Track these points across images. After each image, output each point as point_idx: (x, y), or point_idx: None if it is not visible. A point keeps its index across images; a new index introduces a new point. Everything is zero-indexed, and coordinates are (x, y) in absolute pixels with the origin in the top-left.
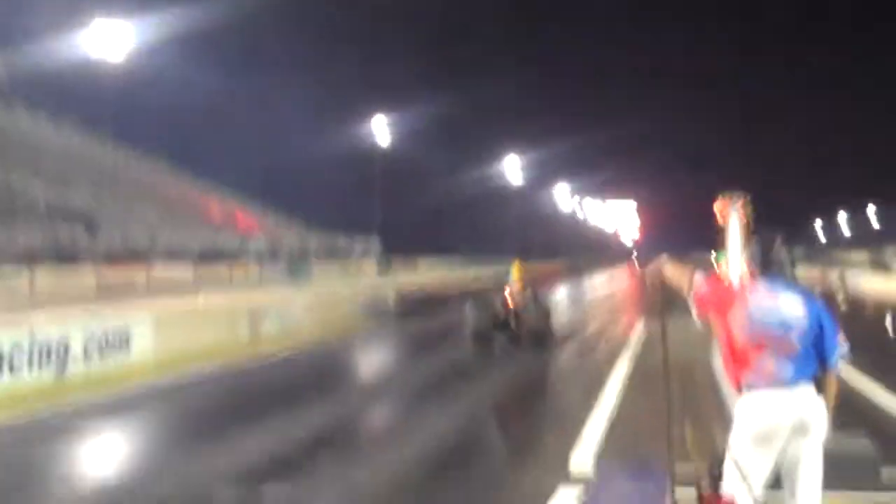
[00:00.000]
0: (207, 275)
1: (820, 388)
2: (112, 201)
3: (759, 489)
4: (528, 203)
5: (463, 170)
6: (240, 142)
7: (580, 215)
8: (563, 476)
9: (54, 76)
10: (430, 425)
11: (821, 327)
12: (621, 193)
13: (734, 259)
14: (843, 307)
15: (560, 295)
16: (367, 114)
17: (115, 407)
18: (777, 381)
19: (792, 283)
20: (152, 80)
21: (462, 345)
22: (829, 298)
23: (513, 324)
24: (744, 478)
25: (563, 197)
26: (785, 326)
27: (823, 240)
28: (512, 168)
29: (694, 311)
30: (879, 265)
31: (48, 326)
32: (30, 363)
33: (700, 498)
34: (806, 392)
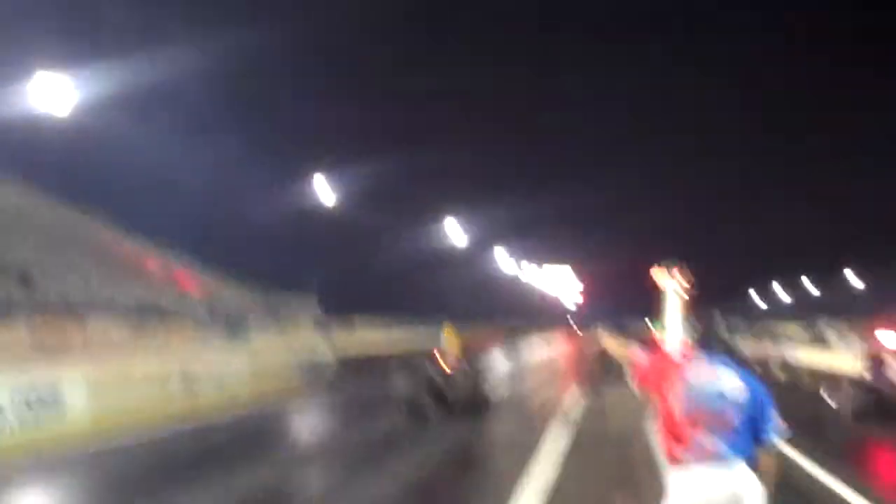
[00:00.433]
0: (145, 333)
1: (755, 466)
2: (49, 255)
3: None
4: (467, 266)
5: (402, 231)
6: (180, 199)
7: (521, 278)
8: None
9: None
10: (360, 497)
11: (758, 405)
12: (558, 259)
13: (672, 330)
14: (782, 376)
15: (498, 360)
16: (307, 174)
17: (43, 468)
18: (712, 458)
19: (730, 359)
20: (95, 136)
21: (397, 412)
22: (765, 369)
23: (446, 391)
24: None
25: (503, 260)
26: (722, 402)
27: (764, 306)
28: (452, 230)
29: (631, 382)
30: (816, 338)
31: None
32: None
33: None
34: (741, 469)
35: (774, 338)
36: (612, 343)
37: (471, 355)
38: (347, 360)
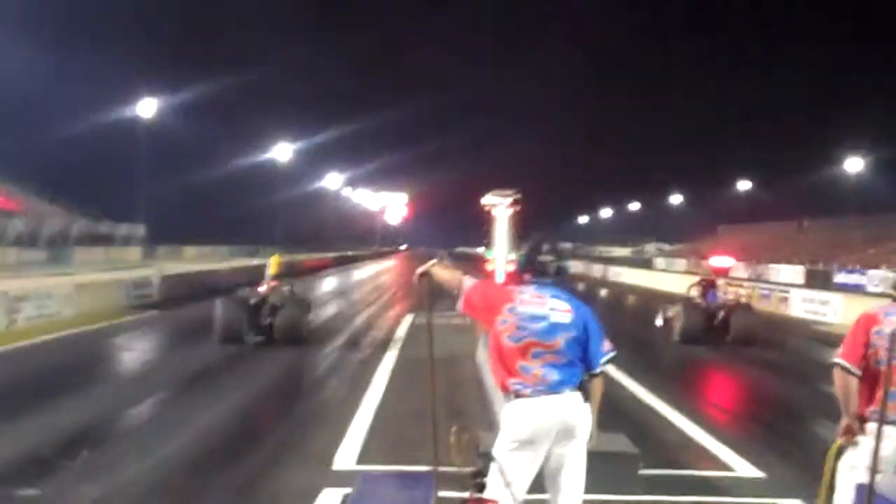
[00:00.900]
0: None
1: (586, 392)
2: None
3: (522, 494)
4: (301, 192)
5: (234, 157)
6: (4, 123)
7: (352, 202)
8: (328, 476)
9: None
10: (187, 424)
11: (587, 333)
12: (392, 184)
13: (501, 258)
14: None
15: (329, 286)
16: (135, 98)
17: None
18: (543, 387)
19: (560, 287)
20: None
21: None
22: (593, 289)
23: (266, 320)
24: (507, 483)
25: (336, 186)
26: (551, 331)
27: (592, 229)
28: (284, 156)
29: (458, 305)
30: (641, 261)
31: None
32: None
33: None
34: (571, 397)
35: (602, 260)
36: (438, 269)
37: (292, 281)
38: (176, 285)
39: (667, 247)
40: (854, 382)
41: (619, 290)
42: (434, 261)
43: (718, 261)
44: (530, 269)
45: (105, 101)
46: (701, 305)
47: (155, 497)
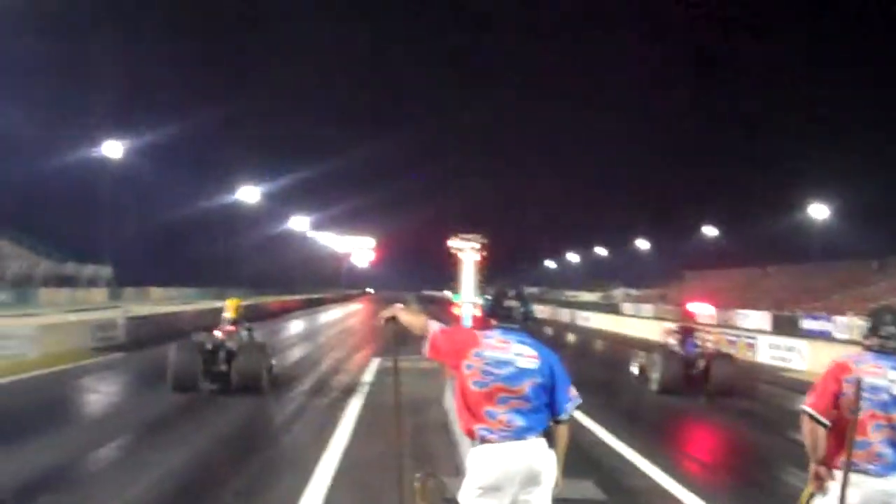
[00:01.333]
0: None
1: (551, 439)
2: None
3: None
4: (266, 233)
5: (201, 199)
6: None
7: (319, 244)
8: None
9: None
10: (148, 470)
11: (553, 379)
12: (359, 227)
13: (468, 302)
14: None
15: (296, 329)
16: (100, 139)
17: None
18: (509, 432)
19: (523, 329)
20: None
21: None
22: (560, 334)
23: (223, 367)
24: None
25: (302, 228)
26: (517, 377)
27: (558, 273)
28: (250, 198)
29: (424, 349)
30: (609, 306)
31: None
32: None
33: None
34: (537, 443)
35: (569, 304)
36: (403, 313)
37: (251, 325)
38: (141, 327)
39: (634, 292)
40: (821, 431)
41: (588, 335)
42: (399, 305)
43: (696, 307)
44: (496, 314)
45: (70, 143)
46: (679, 354)
47: None
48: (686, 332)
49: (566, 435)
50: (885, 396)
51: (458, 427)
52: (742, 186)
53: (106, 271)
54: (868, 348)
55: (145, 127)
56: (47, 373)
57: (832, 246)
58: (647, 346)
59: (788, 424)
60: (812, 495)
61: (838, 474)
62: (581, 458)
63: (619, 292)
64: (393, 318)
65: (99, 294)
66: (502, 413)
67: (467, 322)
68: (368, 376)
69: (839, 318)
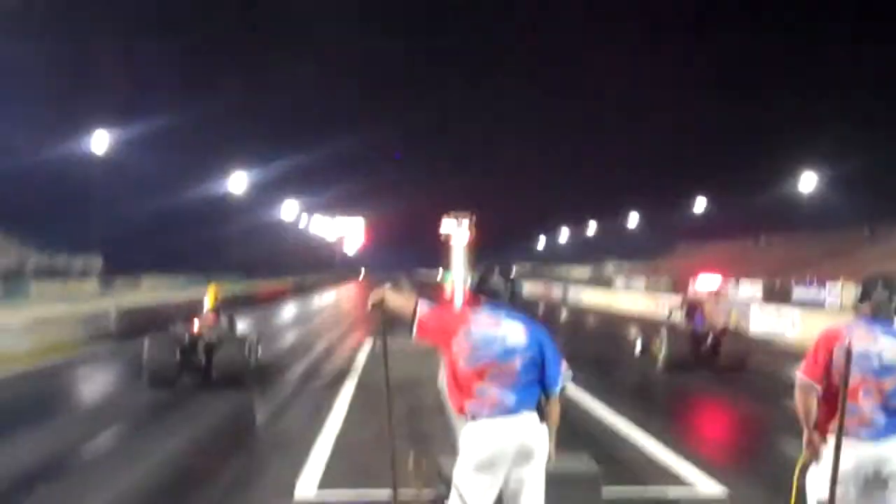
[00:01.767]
0: None
1: (543, 414)
2: None
3: None
4: (256, 219)
5: (190, 187)
6: None
7: (309, 231)
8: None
9: None
10: (144, 458)
11: (543, 354)
12: (350, 210)
13: (458, 281)
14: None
15: (289, 313)
16: (88, 128)
17: None
18: (500, 409)
19: (514, 310)
20: None
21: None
22: (553, 311)
23: (202, 359)
24: None
25: (292, 213)
26: (507, 354)
27: (551, 249)
28: (240, 185)
29: (413, 331)
30: (601, 280)
31: None
32: None
33: None
34: (529, 419)
35: (561, 280)
36: (392, 296)
37: (233, 313)
38: (133, 317)
39: (625, 265)
40: (814, 398)
41: (581, 310)
42: (387, 286)
43: (706, 279)
44: (483, 292)
45: (58, 134)
46: (687, 331)
47: None
48: (693, 307)
49: (558, 409)
50: (875, 363)
51: (450, 406)
52: (733, 157)
53: (97, 262)
54: (860, 315)
55: (135, 116)
56: (41, 364)
57: (823, 215)
58: (639, 319)
59: (782, 393)
60: (806, 462)
61: (831, 441)
62: (577, 433)
63: (610, 267)
64: (381, 301)
65: (90, 285)
66: (493, 390)
67: (458, 301)
68: (363, 357)
69: (830, 286)
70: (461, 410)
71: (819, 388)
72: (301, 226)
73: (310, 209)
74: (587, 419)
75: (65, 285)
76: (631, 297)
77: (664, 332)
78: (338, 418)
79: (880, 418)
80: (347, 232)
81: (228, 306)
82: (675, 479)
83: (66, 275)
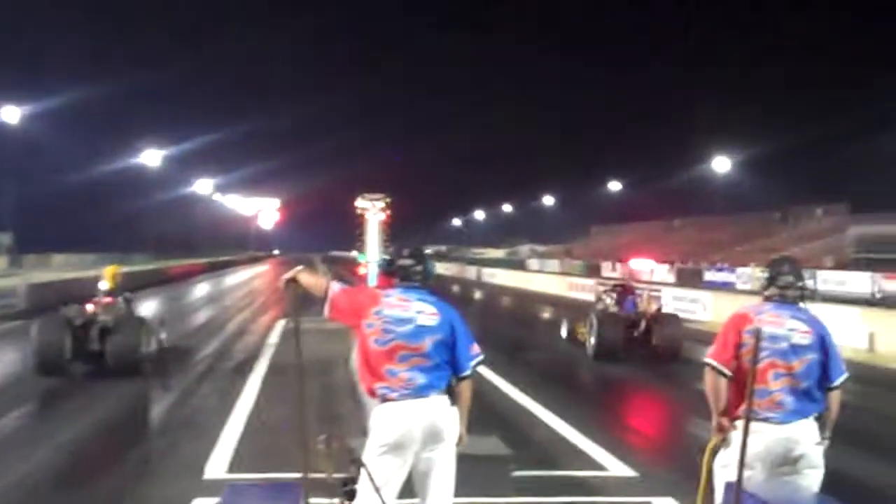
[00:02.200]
0: None
1: (454, 396)
2: None
3: (392, 499)
4: (171, 198)
5: (103, 164)
6: None
7: (224, 207)
8: (198, 486)
9: None
10: (51, 438)
11: (454, 335)
12: (264, 191)
13: (372, 262)
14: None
15: (201, 292)
16: None
17: None
18: (409, 390)
19: (426, 291)
20: None
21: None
22: (466, 291)
23: (96, 345)
24: (377, 489)
25: (206, 191)
26: (418, 334)
27: (465, 231)
28: (153, 161)
29: (325, 310)
30: (514, 262)
31: None
32: None
33: None
34: (438, 401)
35: (476, 262)
36: (304, 275)
37: (132, 296)
38: (43, 294)
39: (540, 248)
40: (723, 382)
41: (494, 291)
42: (301, 266)
43: (638, 263)
44: (395, 273)
45: None
46: (617, 315)
47: None
48: (624, 291)
49: (469, 391)
50: (784, 345)
51: (361, 387)
52: (647, 141)
53: (6, 238)
54: (768, 298)
55: (46, 91)
56: None
57: (736, 198)
58: (554, 301)
59: (693, 376)
60: (716, 446)
61: (740, 424)
62: (488, 413)
63: (525, 249)
64: (294, 281)
65: None
66: (403, 371)
67: (372, 282)
68: (274, 338)
69: (741, 270)
70: (371, 391)
71: (729, 371)
72: (215, 201)
73: (224, 188)
74: (503, 402)
75: None
76: (544, 278)
77: (593, 317)
78: (248, 401)
79: (790, 400)
80: (262, 208)
81: (138, 286)
82: (589, 463)
83: None
